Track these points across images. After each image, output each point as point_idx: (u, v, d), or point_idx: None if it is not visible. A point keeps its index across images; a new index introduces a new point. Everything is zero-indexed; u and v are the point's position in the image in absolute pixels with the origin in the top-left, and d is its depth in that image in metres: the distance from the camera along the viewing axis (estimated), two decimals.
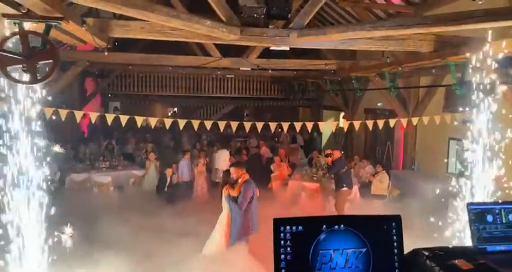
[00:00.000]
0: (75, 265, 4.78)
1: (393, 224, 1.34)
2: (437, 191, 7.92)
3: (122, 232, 6.02)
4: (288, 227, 1.25)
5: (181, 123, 6.41)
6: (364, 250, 1.29)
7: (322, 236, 1.26)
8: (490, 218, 1.71)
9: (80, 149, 10.73)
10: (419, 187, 8.59)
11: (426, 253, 1.64)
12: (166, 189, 8.70)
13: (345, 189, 7.68)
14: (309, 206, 7.92)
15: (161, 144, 12.77)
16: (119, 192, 9.11)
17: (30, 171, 4.12)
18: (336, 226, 1.28)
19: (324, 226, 1.27)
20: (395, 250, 1.33)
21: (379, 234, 1.32)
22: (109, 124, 6.29)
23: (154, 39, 5.59)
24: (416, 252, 1.67)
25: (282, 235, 1.24)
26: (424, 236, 5.85)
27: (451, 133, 8.49)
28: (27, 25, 3.76)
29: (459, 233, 5.26)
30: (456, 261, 1.55)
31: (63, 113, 5.53)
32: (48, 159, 4.31)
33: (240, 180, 5.47)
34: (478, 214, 1.71)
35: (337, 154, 8.04)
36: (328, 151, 8.51)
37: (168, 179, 8.84)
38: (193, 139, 13.22)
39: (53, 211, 4.23)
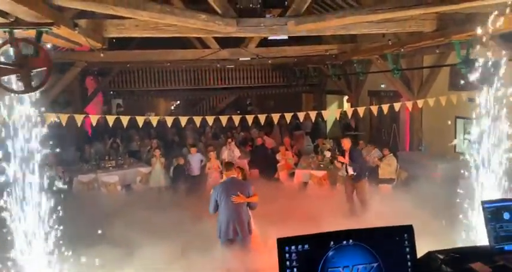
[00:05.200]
0: None
1: (405, 235, 1.27)
2: (447, 171, 7.85)
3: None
4: (293, 246, 1.18)
5: (183, 120, 6.34)
6: (375, 264, 1.22)
7: (330, 253, 1.19)
8: (507, 215, 1.63)
9: (85, 149, 10.72)
10: (428, 168, 8.50)
11: (441, 257, 1.57)
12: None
13: (365, 178, 7.37)
14: (317, 195, 7.87)
15: (166, 139, 12.74)
16: (127, 191, 9.14)
17: (35, 175, 4.13)
18: (344, 242, 1.21)
19: (332, 243, 1.20)
20: (409, 263, 1.26)
21: (390, 247, 1.25)
22: (110, 125, 6.25)
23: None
24: (430, 256, 1.60)
25: (287, 255, 1.17)
26: (435, 218, 5.84)
27: (458, 111, 8.34)
28: (20, 33, 3.69)
29: (471, 212, 5.19)
30: (473, 265, 1.48)
31: (64, 118, 5.49)
32: (51, 162, 4.33)
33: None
34: (494, 212, 1.63)
35: (347, 143, 7.43)
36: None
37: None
38: (198, 132, 13.17)
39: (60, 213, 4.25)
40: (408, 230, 1.28)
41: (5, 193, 4.08)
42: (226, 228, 4.97)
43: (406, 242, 1.27)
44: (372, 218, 5.98)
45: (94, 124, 6.05)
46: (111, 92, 16.50)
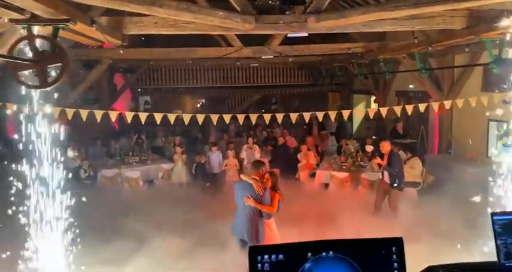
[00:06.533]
0: None
1: (393, 248, 1.14)
2: (477, 176, 7.44)
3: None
4: (266, 256, 1.08)
5: (200, 118, 6.35)
6: None
7: (307, 265, 1.09)
8: None
9: (111, 144, 10.95)
10: (457, 173, 8.11)
11: None
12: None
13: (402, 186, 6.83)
14: (336, 197, 7.67)
15: (190, 136, 12.84)
16: (148, 186, 9.28)
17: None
18: (324, 253, 1.10)
19: (309, 254, 1.10)
20: None
21: (375, 260, 1.13)
22: (129, 122, 6.35)
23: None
24: (432, 271, 1.46)
25: (259, 265, 1.08)
26: (459, 226, 5.56)
27: (490, 114, 7.92)
28: (37, 29, 3.75)
29: None
30: None
31: (84, 113, 5.59)
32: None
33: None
34: (506, 225, 1.46)
35: (386, 146, 6.96)
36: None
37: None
38: (221, 130, 13.18)
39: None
40: (397, 242, 1.15)
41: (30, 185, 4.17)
42: (237, 228, 4.91)
43: (394, 256, 1.14)
44: (392, 224, 5.74)
45: (114, 120, 6.14)
46: (139, 89, 16.82)
